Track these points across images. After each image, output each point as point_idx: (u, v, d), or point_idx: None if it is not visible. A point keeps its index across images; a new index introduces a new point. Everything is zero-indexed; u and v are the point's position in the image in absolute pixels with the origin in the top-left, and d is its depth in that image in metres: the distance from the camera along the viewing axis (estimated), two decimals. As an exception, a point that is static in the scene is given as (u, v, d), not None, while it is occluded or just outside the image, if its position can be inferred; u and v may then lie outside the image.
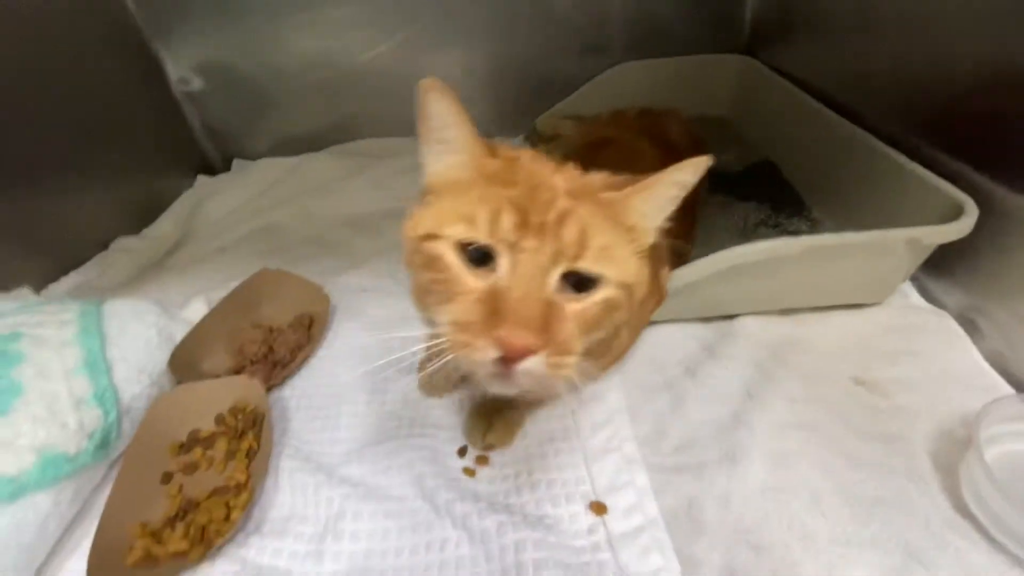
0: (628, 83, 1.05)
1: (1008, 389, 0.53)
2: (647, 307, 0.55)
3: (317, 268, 0.74)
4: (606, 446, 0.51)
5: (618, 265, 0.33)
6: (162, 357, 0.59)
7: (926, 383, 0.54)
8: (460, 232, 0.30)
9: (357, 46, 1.06)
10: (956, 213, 0.53)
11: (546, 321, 0.29)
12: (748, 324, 0.62)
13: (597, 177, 0.37)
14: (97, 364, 0.53)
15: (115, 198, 0.93)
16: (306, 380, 0.61)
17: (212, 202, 1.00)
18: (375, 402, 0.57)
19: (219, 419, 0.55)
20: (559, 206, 0.30)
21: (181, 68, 1.04)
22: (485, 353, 0.29)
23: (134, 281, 0.80)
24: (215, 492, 0.49)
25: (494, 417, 0.52)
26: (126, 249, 0.86)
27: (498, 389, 0.32)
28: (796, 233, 0.75)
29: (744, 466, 0.49)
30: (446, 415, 0.55)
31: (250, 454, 0.51)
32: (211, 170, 1.12)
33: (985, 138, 0.57)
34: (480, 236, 0.30)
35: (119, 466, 0.50)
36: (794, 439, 0.51)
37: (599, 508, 0.46)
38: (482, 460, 0.51)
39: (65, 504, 0.47)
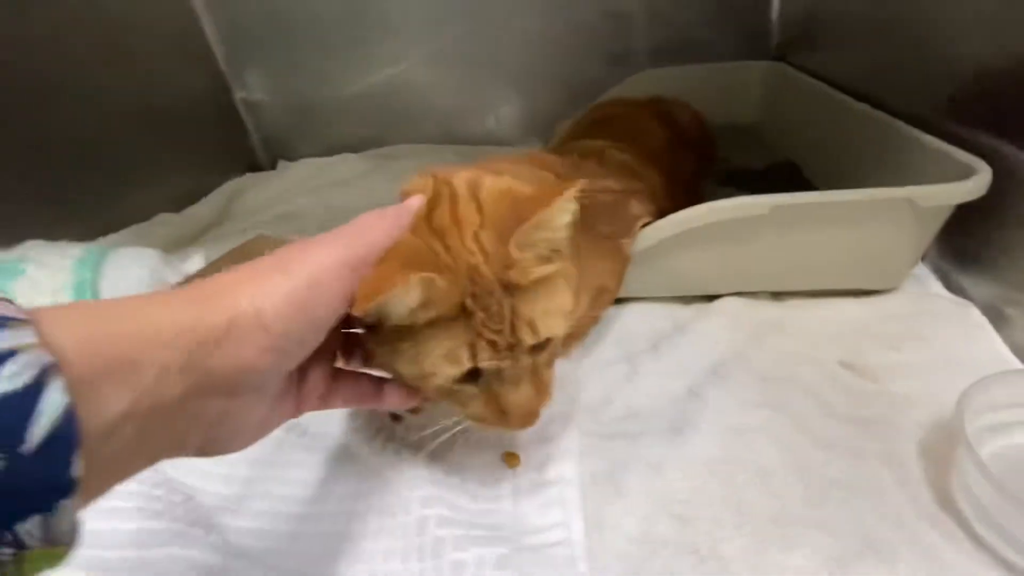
0: (651, 91, 1.03)
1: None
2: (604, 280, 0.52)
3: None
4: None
5: (559, 315, 0.34)
6: (150, 297, 0.63)
7: (929, 370, 0.46)
8: (452, 372, 0.32)
9: (394, 62, 1.15)
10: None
11: (538, 389, 0.34)
12: (730, 304, 0.57)
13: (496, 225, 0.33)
14: (83, 289, 0.58)
15: (166, 185, 1.03)
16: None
17: (249, 193, 1.09)
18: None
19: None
20: (505, 315, 0.31)
21: (244, 85, 1.18)
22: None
23: (164, 249, 0.88)
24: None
25: None
26: (163, 223, 0.95)
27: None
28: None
29: (688, 437, 0.43)
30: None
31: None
32: (260, 170, 1.23)
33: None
34: (464, 367, 0.32)
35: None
36: (755, 416, 0.44)
37: (512, 459, 0.42)
38: (415, 409, 0.49)
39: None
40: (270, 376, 0.27)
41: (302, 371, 0.31)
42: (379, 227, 0.30)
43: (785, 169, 0.84)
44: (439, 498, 0.38)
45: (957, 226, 0.55)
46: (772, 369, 0.49)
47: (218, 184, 1.12)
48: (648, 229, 0.52)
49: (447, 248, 0.31)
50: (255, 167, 1.22)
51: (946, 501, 0.36)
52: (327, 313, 0.27)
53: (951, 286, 0.56)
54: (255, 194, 1.09)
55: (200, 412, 0.24)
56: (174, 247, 0.90)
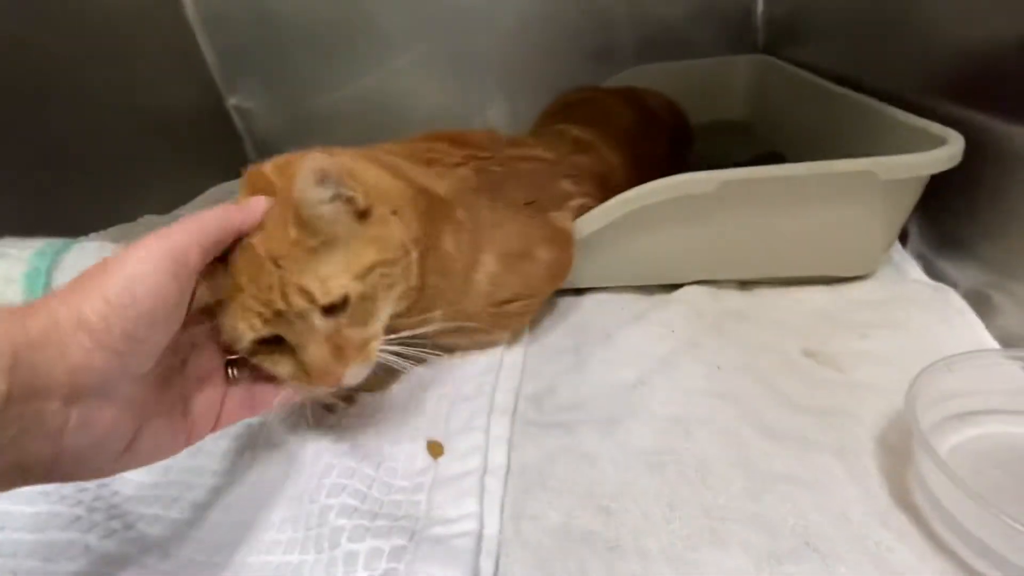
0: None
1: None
2: (534, 258, 0.49)
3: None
4: (477, 392, 0.45)
5: (343, 274, 0.34)
6: (108, 289, 0.63)
7: (901, 359, 0.42)
8: (243, 344, 0.35)
9: (382, 66, 1.15)
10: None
11: (335, 350, 0.34)
12: (691, 293, 0.53)
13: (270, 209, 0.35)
14: (35, 278, 0.58)
15: (158, 191, 1.05)
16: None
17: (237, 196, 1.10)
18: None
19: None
20: (275, 285, 0.33)
21: (236, 91, 1.20)
22: (317, 391, 0.36)
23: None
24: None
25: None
26: (147, 224, 0.95)
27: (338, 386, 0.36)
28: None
29: (626, 428, 0.40)
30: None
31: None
32: (253, 176, 1.24)
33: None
34: (247, 339, 0.34)
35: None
36: (703, 406, 0.41)
37: (436, 449, 0.40)
38: (348, 399, 0.47)
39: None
40: (110, 377, 0.26)
41: (185, 400, 0.33)
42: (206, 217, 0.31)
43: (770, 160, 0.81)
44: (347, 487, 0.36)
45: (937, 208, 0.51)
46: (728, 359, 0.45)
47: (208, 189, 1.14)
48: (595, 211, 0.49)
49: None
50: (247, 173, 1.23)
51: (902, 497, 0.32)
52: (154, 304, 0.27)
53: (932, 272, 0.52)
54: (242, 197, 1.09)
55: (37, 418, 0.24)
56: (156, 248, 0.90)
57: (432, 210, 0.43)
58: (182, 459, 0.42)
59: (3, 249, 0.61)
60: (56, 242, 0.65)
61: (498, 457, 0.39)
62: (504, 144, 0.53)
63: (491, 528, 0.34)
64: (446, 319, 0.44)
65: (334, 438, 0.41)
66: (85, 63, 0.92)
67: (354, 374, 0.35)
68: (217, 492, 0.40)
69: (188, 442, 0.33)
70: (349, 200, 0.35)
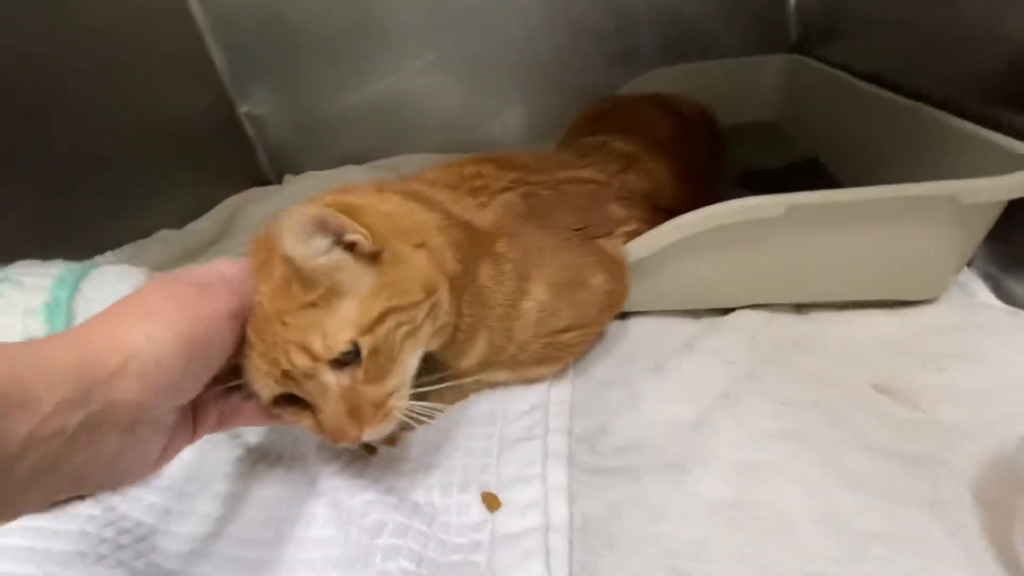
0: (661, 91, 0.98)
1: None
2: (589, 290, 0.47)
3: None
4: (528, 434, 0.42)
5: (348, 328, 0.32)
6: (129, 317, 0.61)
7: (982, 395, 0.39)
8: (263, 395, 0.34)
9: (396, 71, 1.12)
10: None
11: (350, 410, 0.33)
12: (745, 318, 0.51)
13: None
14: (57, 309, 0.55)
15: (171, 201, 1.02)
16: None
17: (252, 207, 1.07)
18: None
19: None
20: (279, 343, 0.32)
21: (248, 99, 1.17)
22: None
23: (161, 266, 0.86)
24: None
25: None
26: (163, 239, 0.93)
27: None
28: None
29: (695, 476, 0.37)
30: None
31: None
32: (266, 184, 1.21)
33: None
34: (267, 397, 0.34)
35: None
36: (775, 450, 0.38)
37: (491, 501, 0.37)
38: (390, 440, 0.44)
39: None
40: (167, 411, 0.28)
41: (197, 398, 0.32)
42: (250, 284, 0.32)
43: (808, 167, 0.78)
44: (402, 549, 0.34)
45: (1006, 225, 0.48)
46: (794, 394, 0.42)
47: (224, 199, 1.11)
48: (647, 235, 0.46)
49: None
50: (261, 181, 1.21)
51: (1010, 561, 0.30)
52: (221, 354, 0.30)
53: (1001, 294, 0.49)
54: (258, 208, 1.07)
55: (99, 447, 0.25)
56: (173, 263, 0.88)
57: (468, 242, 0.41)
58: (218, 508, 0.40)
59: (19, 277, 0.58)
60: (75, 268, 0.62)
61: (559, 511, 0.36)
62: (553, 165, 0.50)
63: (561, 596, 0.31)
64: (492, 350, 0.41)
65: (381, 489, 0.39)
66: (93, 75, 0.89)
67: (373, 434, 0.33)
68: (262, 545, 0.37)
69: (192, 439, 0.33)
70: (351, 245, 0.33)
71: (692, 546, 0.33)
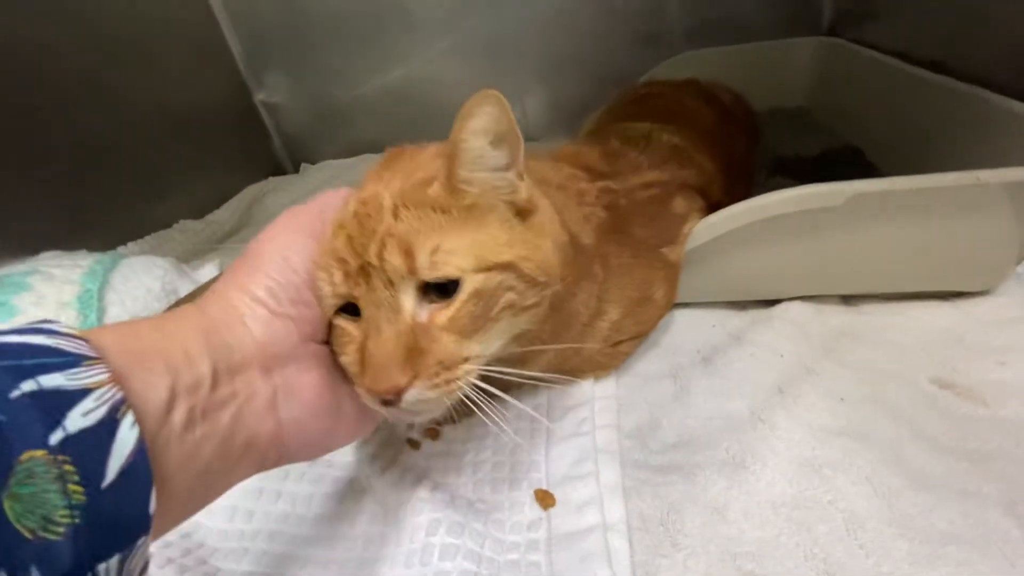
0: (689, 75, 0.96)
1: None
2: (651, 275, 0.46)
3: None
4: (576, 431, 0.41)
5: (467, 255, 0.28)
6: (159, 308, 0.60)
7: (1052, 391, 0.38)
8: (325, 294, 0.29)
9: (414, 57, 1.10)
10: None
11: (410, 352, 0.27)
12: (793, 309, 0.49)
13: (432, 163, 0.31)
14: (89, 301, 0.55)
15: (189, 191, 1.01)
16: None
17: (270, 197, 1.06)
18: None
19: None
20: (379, 232, 0.28)
21: (264, 87, 1.15)
22: (368, 399, 0.28)
23: (183, 257, 0.85)
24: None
25: None
26: (184, 230, 0.92)
27: (400, 420, 0.34)
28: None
29: (755, 473, 0.36)
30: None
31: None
32: (283, 174, 1.20)
33: None
34: (328, 298, 0.29)
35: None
36: (834, 447, 0.37)
37: (546, 499, 0.37)
38: (432, 432, 0.44)
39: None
40: (292, 342, 0.27)
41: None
42: (328, 194, 0.32)
43: (845, 154, 0.76)
44: (460, 548, 0.33)
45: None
46: (850, 389, 0.41)
47: (241, 189, 1.10)
48: (698, 226, 0.45)
49: (363, 190, 0.30)
50: (278, 171, 1.20)
51: (1097, 564, 0.29)
52: (304, 269, 0.28)
53: (1064, 286, 0.47)
54: (275, 198, 1.06)
55: (248, 390, 0.25)
56: (194, 254, 0.87)
57: (576, 261, 0.37)
58: (264, 504, 0.40)
59: (48, 270, 0.58)
60: (103, 259, 0.62)
61: (616, 510, 0.35)
62: (627, 169, 0.47)
63: (627, 597, 0.30)
64: (557, 362, 0.40)
65: (429, 486, 0.38)
66: (111, 66, 0.88)
67: (419, 398, 0.27)
68: (308, 543, 0.37)
69: (362, 429, 0.32)
70: (512, 188, 0.30)
71: (756, 546, 0.33)
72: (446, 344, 0.28)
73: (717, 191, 0.50)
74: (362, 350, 0.28)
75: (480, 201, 0.29)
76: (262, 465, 0.27)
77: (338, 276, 0.28)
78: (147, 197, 0.93)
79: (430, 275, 0.27)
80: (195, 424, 0.23)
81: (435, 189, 0.28)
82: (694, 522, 0.34)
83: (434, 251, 0.27)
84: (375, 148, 1.17)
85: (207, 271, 0.69)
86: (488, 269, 0.28)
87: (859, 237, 0.45)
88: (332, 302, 0.28)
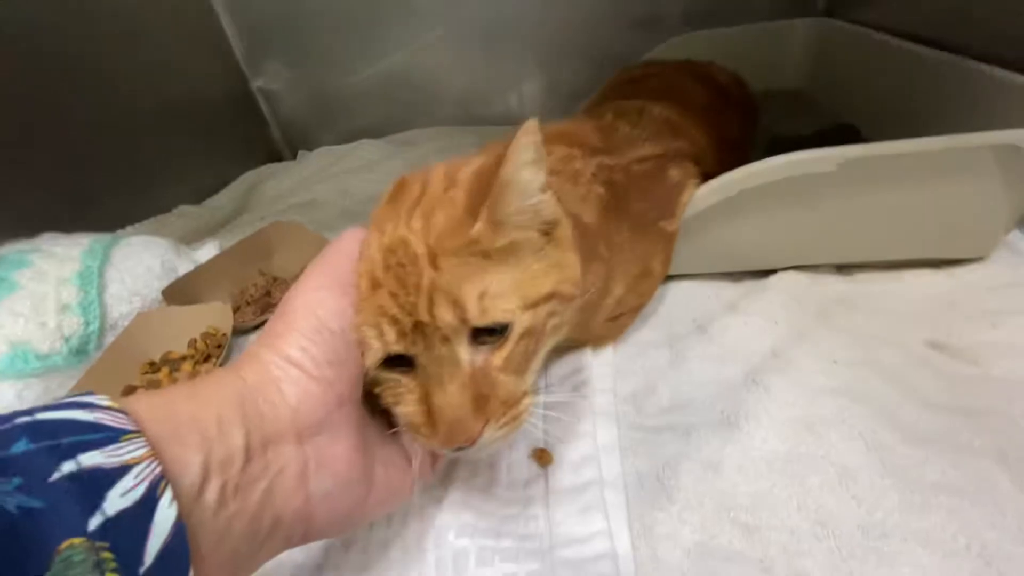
0: (686, 57, 0.96)
1: None
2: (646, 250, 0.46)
3: (340, 232, 0.75)
4: (573, 397, 0.42)
5: (513, 295, 0.27)
6: (160, 286, 0.60)
7: (1042, 351, 0.38)
8: (367, 360, 0.28)
9: (411, 42, 1.10)
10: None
11: (476, 400, 0.27)
12: (788, 279, 0.50)
13: (457, 200, 0.28)
14: (90, 277, 0.55)
15: (187, 177, 1.02)
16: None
17: (268, 183, 1.06)
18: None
19: (191, 343, 0.54)
20: (424, 287, 0.26)
21: (261, 73, 1.15)
22: (443, 451, 0.28)
23: (182, 240, 0.86)
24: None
25: None
26: (182, 214, 0.93)
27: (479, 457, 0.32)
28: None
29: (748, 432, 0.37)
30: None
31: (207, 375, 0.50)
32: (280, 160, 1.20)
33: None
34: (378, 352, 0.27)
35: (85, 370, 0.50)
36: (828, 406, 0.38)
37: (543, 457, 0.37)
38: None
39: (30, 400, 0.48)
40: (328, 408, 0.26)
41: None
42: (338, 255, 0.29)
43: (841, 133, 0.75)
44: (461, 502, 0.33)
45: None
46: (845, 352, 0.42)
47: (239, 175, 1.10)
48: (695, 194, 0.45)
49: (382, 233, 0.28)
50: (276, 157, 1.20)
51: (1084, 509, 0.29)
52: (337, 325, 0.27)
53: (1057, 253, 0.48)
54: (274, 184, 1.06)
55: (280, 464, 0.24)
56: (194, 237, 0.87)
57: (584, 244, 0.35)
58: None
59: (48, 248, 0.58)
60: (103, 238, 0.62)
61: (613, 466, 0.36)
62: (621, 143, 0.47)
63: (623, 547, 0.31)
64: (565, 341, 0.39)
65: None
66: (109, 50, 0.88)
67: (492, 440, 0.27)
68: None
69: (400, 497, 0.30)
70: (544, 206, 0.29)
71: (750, 499, 0.33)
72: (505, 384, 0.28)
73: (710, 163, 0.50)
74: (425, 403, 0.28)
75: (519, 235, 0.28)
76: (287, 544, 0.25)
77: (391, 335, 0.27)
78: (145, 182, 0.94)
79: (481, 323, 0.26)
80: (227, 502, 0.22)
81: (477, 231, 0.26)
82: (689, 477, 0.35)
83: (481, 296, 0.26)
84: (372, 134, 1.17)
85: (206, 251, 0.69)
86: (534, 305, 0.28)
87: (852, 205, 0.45)
88: (380, 356, 0.27)
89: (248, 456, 0.23)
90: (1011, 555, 0.28)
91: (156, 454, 0.19)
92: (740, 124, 0.67)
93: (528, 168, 0.27)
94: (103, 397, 0.20)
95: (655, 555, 0.31)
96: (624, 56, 0.99)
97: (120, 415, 0.20)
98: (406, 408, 0.28)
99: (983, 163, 0.41)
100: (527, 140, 0.26)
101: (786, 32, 0.93)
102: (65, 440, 0.18)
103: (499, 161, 0.26)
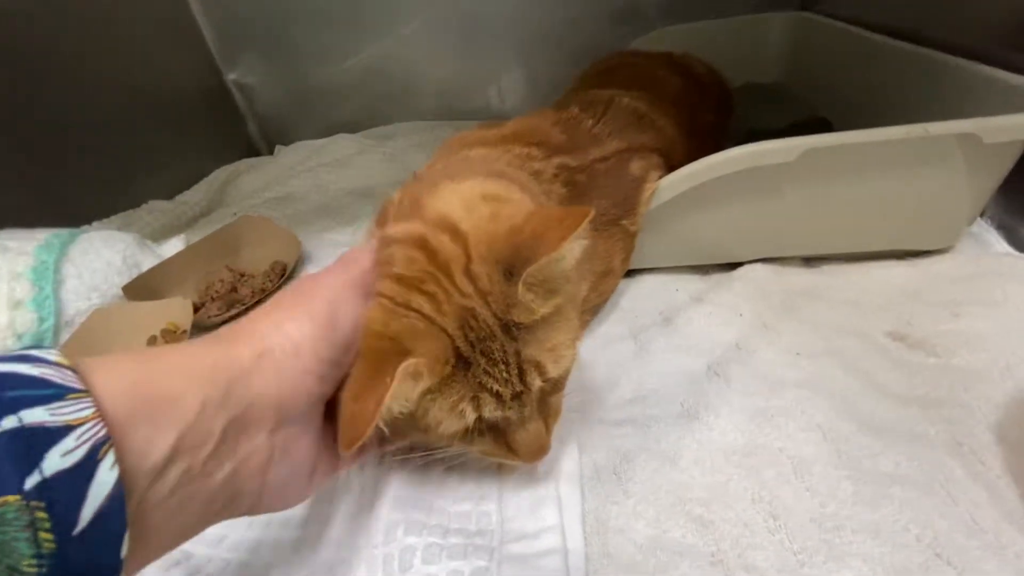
0: (664, 50, 0.96)
1: None
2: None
3: (313, 228, 0.75)
4: (534, 389, 0.41)
5: (570, 343, 0.30)
6: (121, 282, 0.59)
7: (1000, 340, 0.38)
8: (458, 427, 0.28)
9: (389, 34, 1.09)
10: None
11: (546, 422, 0.31)
12: (754, 271, 0.49)
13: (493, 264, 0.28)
14: (44, 273, 0.53)
15: (160, 172, 0.99)
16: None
17: (243, 178, 1.05)
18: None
19: (150, 340, 0.53)
20: (510, 359, 0.27)
21: (236, 67, 1.13)
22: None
23: (151, 236, 0.84)
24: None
25: None
26: (153, 210, 0.91)
27: None
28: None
29: (708, 423, 0.37)
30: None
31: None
32: (257, 155, 1.18)
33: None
34: (470, 420, 0.28)
35: (37, 370, 0.49)
36: (787, 397, 0.37)
37: (499, 452, 0.36)
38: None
39: (-22, 399, 0.47)
40: (312, 404, 0.26)
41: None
42: (363, 257, 0.30)
43: (813, 125, 0.76)
44: (411, 498, 0.33)
45: (1020, 173, 0.47)
46: (807, 343, 0.41)
47: (214, 170, 1.08)
48: (659, 185, 0.45)
49: (430, 297, 0.27)
50: (252, 152, 1.18)
51: (1035, 498, 0.29)
52: (348, 328, 0.27)
53: (1017, 243, 0.48)
54: (248, 179, 1.04)
55: (248, 452, 0.24)
56: (163, 234, 0.86)
57: None
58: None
59: (2, 242, 0.56)
60: (62, 233, 0.60)
61: (570, 461, 0.35)
62: (585, 141, 0.46)
63: (575, 542, 0.30)
64: None
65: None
66: (78, 42, 0.86)
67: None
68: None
69: (335, 468, 0.30)
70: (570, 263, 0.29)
71: (706, 491, 0.33)
72: (558, 402, 0.32)
73: (679, 155, 0.49)
74: (503, 439, 0.30)
75: (562, 288, 0.29)
76: (231, 516, 0.25)
77: (490, 407, 0.28)
78: (115, 177, 0.91)
79: (556, 375, 0.29)
80: (188, 483, 0.21)
81: (536, 301, 0.27)
82: (645, 470, 0.34)
83: (551, 350, 0.28)
84: (350, 128, 1.15)
85: (172, 245, 0.68)
86: (576, 340, 0.31)
87: (817, 195, 0.45)
88: (471, 424, 0.28)
89: (222, 439, 0.22)
90: (962, 546, 0.28)
91: (102, 415, 0.18)
92: (713, 114, 0.66)
93: (572, 253, 0.27)
94: (52, 351, 0.19)
95: (606, 550, 0.30)
96: (603, 49, 0.98)
97: (68, 372, 0.19)
98: (483, 448, 0.30)
99: (945, 153, 0.41)
100: (575, 239, 0.27)
101: (763, 26, 0.93)
102: (8, 394, 0.17)
103: (537, 242, 0.26)
